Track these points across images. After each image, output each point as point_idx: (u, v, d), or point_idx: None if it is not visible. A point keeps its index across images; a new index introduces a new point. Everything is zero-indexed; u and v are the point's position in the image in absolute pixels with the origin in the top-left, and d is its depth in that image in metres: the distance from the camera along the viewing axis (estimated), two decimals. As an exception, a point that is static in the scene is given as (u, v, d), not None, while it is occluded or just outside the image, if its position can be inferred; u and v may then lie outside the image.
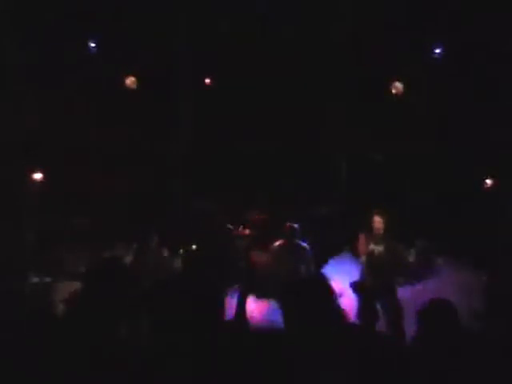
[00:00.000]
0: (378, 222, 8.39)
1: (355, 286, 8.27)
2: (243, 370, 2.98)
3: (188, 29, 12.01)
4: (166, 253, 9.74)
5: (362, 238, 8.61)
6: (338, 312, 3.15)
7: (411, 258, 9.48)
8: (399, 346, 3.91)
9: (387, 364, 3.47)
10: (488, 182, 11.77)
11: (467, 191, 11.33)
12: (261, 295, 9.40)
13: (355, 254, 8.97)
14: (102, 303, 3.21)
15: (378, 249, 8.41)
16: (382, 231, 8.31)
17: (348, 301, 8.07)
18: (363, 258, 8.49)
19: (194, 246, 9.85)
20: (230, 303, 8.22)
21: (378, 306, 7.79)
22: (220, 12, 11.78)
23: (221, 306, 3.40)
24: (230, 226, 10.46)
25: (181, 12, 11.86)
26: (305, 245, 9.41)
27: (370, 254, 8.38)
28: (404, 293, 8.28)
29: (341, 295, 7.92)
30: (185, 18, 11.97)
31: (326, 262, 10.32)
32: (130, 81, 11.98)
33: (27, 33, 11.15)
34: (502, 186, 11.61)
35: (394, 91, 11.81)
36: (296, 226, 9.49)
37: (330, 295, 3.14)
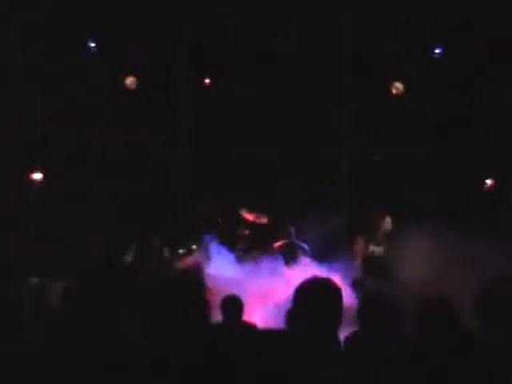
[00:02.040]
0: (388, 222, 8.37)
1: (356, 284, 8.27)
2: (243, 371, 2.98)
3: (189, 30, 12.02)
4: (166, 253, 9.76)
5: (360, 239, 8.59)
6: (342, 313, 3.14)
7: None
8: (400, 345, 3.91)
9: (388, 363, 3.47)
10: (488, 182, 11.76)
11: (467, 191, 11.32)
12: None
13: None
14: (101, 302, 3.21)
15: (379, 250, 8.40)
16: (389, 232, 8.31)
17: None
18: (359, 261, 8.47)
19: (194, 246, 9.85)
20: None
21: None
22: (221, 13, 11.78)
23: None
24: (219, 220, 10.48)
25: (181, 12, 11.86)
26: (304, 245, 9.43)
27: (371, 256, 8.37)
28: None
29: None
30: (186, 18, 11.97)
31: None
32: (130, 81, 11.97)
33: (27, 33, 11.16)
34: (502, 186, 11.61)
35: (394, 91, 11.80)
36: (292, 229, 9.51)
37: (335, 297, 3.13)
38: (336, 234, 10.32)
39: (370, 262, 8.38)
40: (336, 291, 3.15)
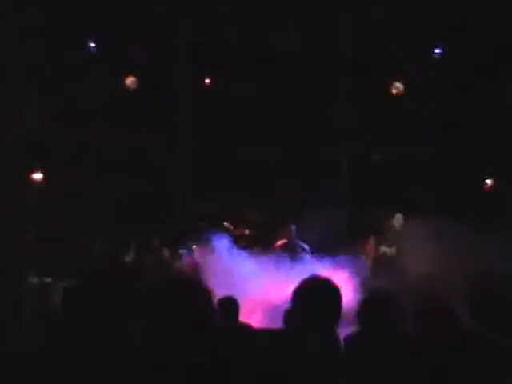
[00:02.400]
0: (399, 218, 8.35)
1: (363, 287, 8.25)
2: (242, 371, 2.98)
3: (189, 30, 12.03)
4: (166, 252, 9.76)
5: (371, 240, 8.58)
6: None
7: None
8: (400, 345, 3.90)
9: (388, 363, 3.47)
10: (488, 182, 11.77)
11: (467, 191, 11.33)
12: None
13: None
14: (101, 302, 3.21)
15: (391, 250, 8.38)
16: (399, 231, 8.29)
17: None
18: (371, 261, 8.45)
19: (194, 246, 9.85)
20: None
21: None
22: (221, 13, 11.80)
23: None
24: (228, 225, 10.49)
25: (181, 12, 11.87)
26: (304, 245, 9.44)
27: (382, 256, 8.35)
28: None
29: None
30: (186, 18, 11.98)
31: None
32: (130, 81, 11.97)
33: (27, 33, 11.16)
34: (501, 186, 11.61)
35: (394, 91, 11.81)
36: (293, 227, 9.52)
37: (334, 297, 3.13)
38: (336, 234, 10.33)
39: (381, 263, 8.37)
40: (335, 291, 3.14)
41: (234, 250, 9.23)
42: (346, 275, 8.51)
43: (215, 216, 11.20)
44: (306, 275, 3.23)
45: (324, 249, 9.64)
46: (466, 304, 3.48)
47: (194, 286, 2.90)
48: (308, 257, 9.24)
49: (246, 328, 6.03)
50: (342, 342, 3.55)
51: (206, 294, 2.91)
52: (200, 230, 10.23)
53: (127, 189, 11.75)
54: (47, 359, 3.13)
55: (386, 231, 8.74)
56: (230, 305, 6.01)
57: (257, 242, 10.32)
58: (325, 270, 7.87)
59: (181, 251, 9.97)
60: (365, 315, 4.05)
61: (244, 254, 9.16)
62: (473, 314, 3.26)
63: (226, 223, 10.58)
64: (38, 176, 11.43)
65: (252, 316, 7.66)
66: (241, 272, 8.59)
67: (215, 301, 5.99)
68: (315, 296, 3.10)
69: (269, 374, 2.96)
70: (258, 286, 8.33)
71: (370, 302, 4.12)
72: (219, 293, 6.45)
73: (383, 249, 8.48)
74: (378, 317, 3.98)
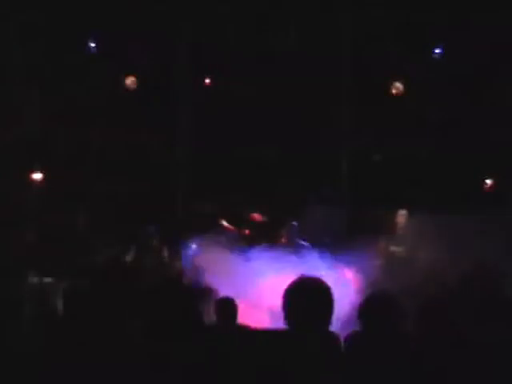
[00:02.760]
0: (402, 214, 8.36)
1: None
2: (241, 371, 2.98)
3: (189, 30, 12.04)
4: (166, 252, 9.76)
5: (381, 239, 8.59)
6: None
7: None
8: (400, 345, 3.91)
9: (388, 363, 3.47)
10: (488, 182, 11.77)
11: (467, 191, 11.33)
12: None
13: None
14: (101, 302, 3.22)
15: (399, 250, 8.39)
16: (404, 228, 8.30)
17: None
18: (381, 260, 8.45)
19: (194, 246, 9.85)
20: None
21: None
22: (221, 13, 11.80)
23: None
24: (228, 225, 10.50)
25: (181, 12, 11.87)
26: (305, 244, 9.44)
27: (391, 256, 8.36)
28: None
29: None
30: (186, 18, 11.98)
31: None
32: (130, 81, 11.98)
33: (27, 33, 11.17)
34: (501, 185, 11.62)
35: (394, 91, 11.81)
36: (295, 223, 9.54)
37: (324, 296, 3.13)
38: (336, 234, 10.33)
39: (391, 263, 8.37)
40: (325, 290, 3.13)
41: (235, 249, 9.24)
42: (349, 274, 8.50)
43: (215, 216, 11.20)
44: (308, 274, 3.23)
45: (324, 249, 9.65)
46: (466, 302, 3.48)
47: (193, 287, 2.90)
48: (309, 256, 9.24)
49: (245, 328, 6.04)
50: (342, 342, 3.55)
51: (206, 294, 2.91)
52: (200, 230, 10.23)
53: (127, 189, 11.75)
54: (47, 359, 3.13)
55: (393, 230, 8.76)
56: (228, 305, 6.01)
57: (257, 241, 10.31)
58: (327, 269, 7.86)
59: (181, 251, 9.96)
60: (365, 315, 4.05)
61: (244, 254, 9.16)
62: (472, 312, 3.26)
63: (224, 222, 10.58)
64: (37, 176, 11.43)
65: (254, 316, 7.66)
66: (242, 272, 8.58)
67: (215, 301, 6.02)
68: (304, 296, 3.10)
69: (268, 374, 2.96)
70: (259, 285, 8.32)
71: (371, 303, 4.12)
72: (220, 292, 6.46)
73: (392, 248, 8.49)
74: (379, 317, 3.98)
